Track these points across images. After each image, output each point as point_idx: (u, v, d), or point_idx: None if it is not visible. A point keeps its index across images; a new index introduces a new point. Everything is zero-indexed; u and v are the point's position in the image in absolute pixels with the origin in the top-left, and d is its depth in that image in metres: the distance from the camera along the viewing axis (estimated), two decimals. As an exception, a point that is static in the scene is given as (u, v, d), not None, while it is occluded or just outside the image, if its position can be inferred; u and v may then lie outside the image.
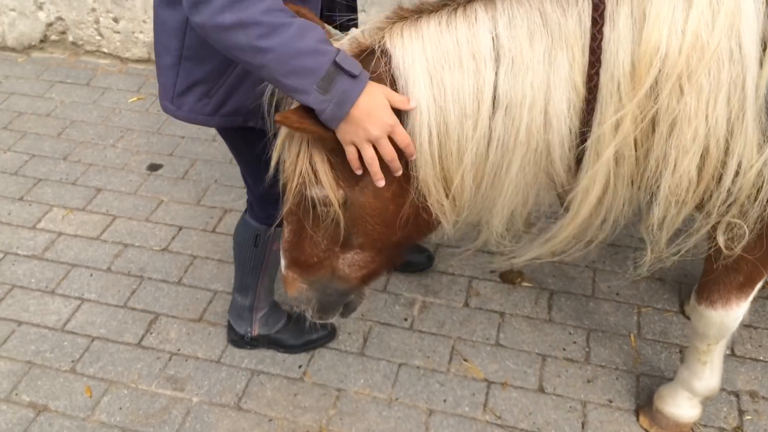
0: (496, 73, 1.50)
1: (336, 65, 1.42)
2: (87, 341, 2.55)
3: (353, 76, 1.44)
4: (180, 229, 3.05)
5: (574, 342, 2.52)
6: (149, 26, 3.98)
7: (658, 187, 1.56)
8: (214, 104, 1.87)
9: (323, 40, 1.47)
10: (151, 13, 3.90)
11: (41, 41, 4.27)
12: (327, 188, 1.56)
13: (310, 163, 1.56)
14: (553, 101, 1.51)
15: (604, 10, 1.45)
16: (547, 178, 1.67)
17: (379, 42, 1.52)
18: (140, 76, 4.12)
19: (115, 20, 4.02)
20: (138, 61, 4.18)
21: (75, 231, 3.05)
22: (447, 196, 1.62)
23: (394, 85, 1.51)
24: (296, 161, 1.57)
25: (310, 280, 1.80)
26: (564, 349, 2.50)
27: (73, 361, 2.49)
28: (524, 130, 1.53)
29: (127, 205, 3.18)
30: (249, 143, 1.98)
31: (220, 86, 1.84)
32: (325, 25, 1.64)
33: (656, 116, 1.49)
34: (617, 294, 2.69)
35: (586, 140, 1.55)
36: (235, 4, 1.40)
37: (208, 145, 3.53)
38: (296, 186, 1.58)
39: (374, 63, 1.52)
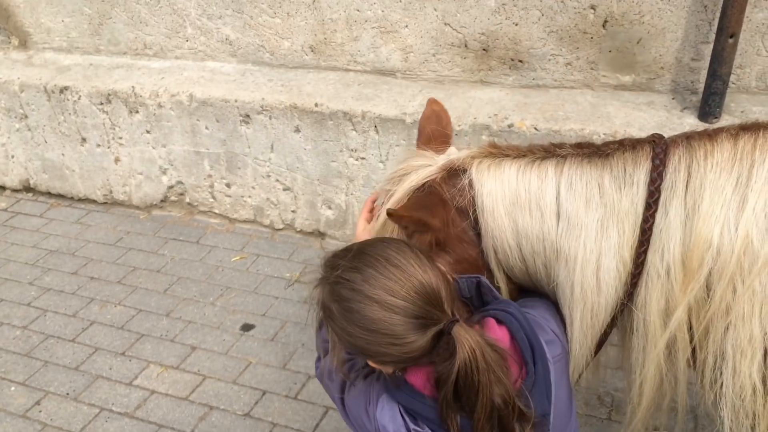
0: (558, 226, 1.65)
1: None
2: (163, 508, 2.59)
3: None
4: (264, 393, 3.11)
5: None
6: (257, 191, 4.30)
7: (721, 386, 1.53)
8: None
9: None
10: (260, 180, 4.25)
11: (162, 201, 4.69)
12: None
13: None
14: (603, 267, 1.60)
15: (658, 198, 1.55)
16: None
17: (468, 170, 1.73)
18: (245, 235, 4.40)
19: (228, 186, 4.38)
20: (244, 221, 4.48)
21: (167, 390, 3.18)
22: None
23: (473, 209, 1.71)
24: None
25: None
26: None
27: None
28: (579, 286, 1.63)
29: (217, 365, 3.31)
30: None
31: None
32: None
33: (712, 312, 1.51)
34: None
35: (623, 311, 1.64)
36: None
37: (299, 308, 3.66)
38: None
39: (461, 185, 1.73)
